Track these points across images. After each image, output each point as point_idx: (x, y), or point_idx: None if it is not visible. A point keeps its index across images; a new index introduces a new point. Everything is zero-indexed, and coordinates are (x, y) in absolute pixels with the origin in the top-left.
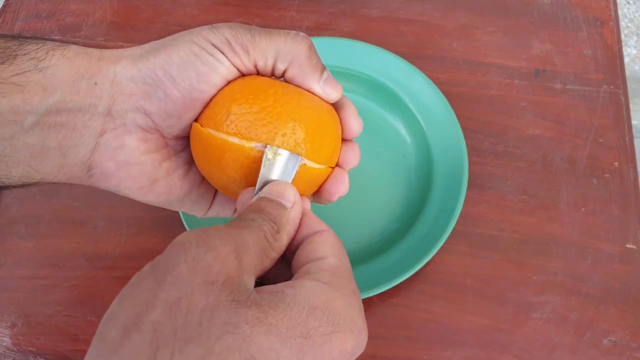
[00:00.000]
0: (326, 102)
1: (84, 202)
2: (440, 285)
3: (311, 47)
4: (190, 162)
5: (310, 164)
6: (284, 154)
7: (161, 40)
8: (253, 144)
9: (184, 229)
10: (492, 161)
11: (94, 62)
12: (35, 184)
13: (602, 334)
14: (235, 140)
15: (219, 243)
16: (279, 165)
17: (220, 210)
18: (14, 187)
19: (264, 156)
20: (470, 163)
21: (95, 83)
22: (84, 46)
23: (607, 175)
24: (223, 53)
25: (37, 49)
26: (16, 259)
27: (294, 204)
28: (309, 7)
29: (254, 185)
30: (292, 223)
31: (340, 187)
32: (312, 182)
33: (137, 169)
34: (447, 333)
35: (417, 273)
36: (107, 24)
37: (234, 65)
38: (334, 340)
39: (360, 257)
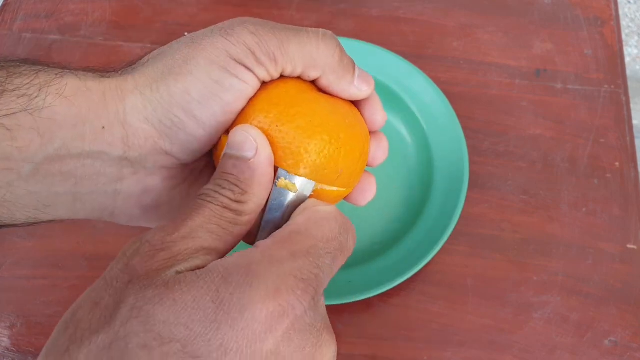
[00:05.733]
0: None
1: None
2: (440, 286)
3: (340, 46)
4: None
5: (335, 188)
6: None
7: (169, 59)
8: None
9: None
10: (493, 161)
11: (97, 101)
12: (48, 222)
13: (603, 334)
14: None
15: (148, 248)
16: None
17: None
18: (20, 226)
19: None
20: (470, 163)
21: (103, 127)
22: (82, 71)
23: (608, 175)
24: (248, 68)
25: (29, 83)
26: (16, 259)
27: (257, 151)
28: (309, 6)
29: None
30: (258, 176)
31: (367, 195)
32: (335, 200)
33: (166, 207)
34: (448, 333)
35: (417, 273)
36: (107, 24)
37: (259, 79)
38: (250, 306)
39: (361, 258)
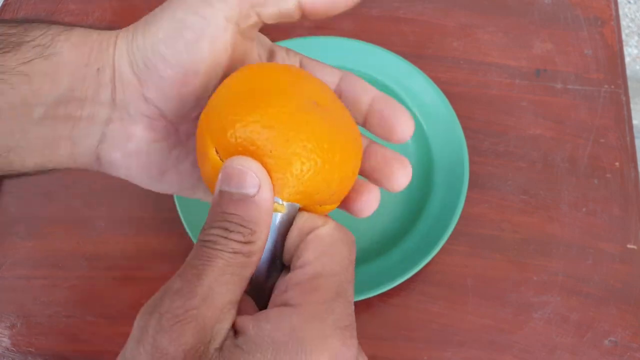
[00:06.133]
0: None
1: (83, 202)
2: (440, 286)
3: None
4: None
5: (327, 206)
6: (292, 207)
7: (155, 10)
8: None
9: (184, 230)
10: (493, 161)
11: (96, 46)
12: (50, 170)
13: (603, 334)
14: None
15: (172, 321)
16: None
17: None
18: (29, 174)
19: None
20: (470, 163)
21: (98, 69)
22: (91, 27)
23: (608, 175)
24: (210, 4)
25: (42, 34)
26: (16, 259)
27: (260, 187)
28: None
29: None
30: (265, 213)
31: (373, 207)
32: (325, 213)
33: (145, 159)
34: (448, 333)
35: (417, 273)
36: (107, 24)
37: (226, 18)
38: None
39: (360, 257)
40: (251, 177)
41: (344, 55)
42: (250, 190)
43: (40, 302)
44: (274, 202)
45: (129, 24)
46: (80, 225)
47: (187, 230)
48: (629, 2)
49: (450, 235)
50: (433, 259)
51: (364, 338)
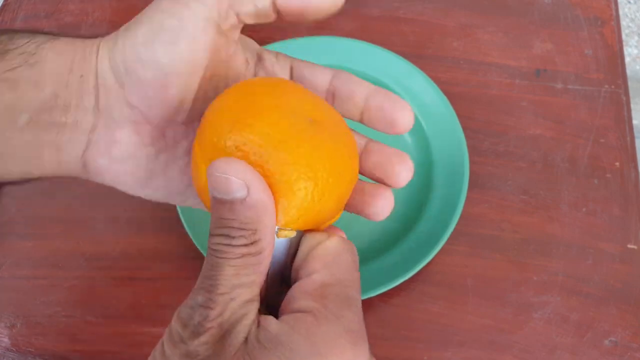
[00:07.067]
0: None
1: (83, 202)
2: (440, 286)
3: None
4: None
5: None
6: (293, 234)
7: (137, 15)
8: None
9: (184, 230)
10: (493, 161)
11: (79, 53)
12: (37, 179)
13: (603, 334)
14: None
15: (200, 329)
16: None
17: None
18: (15, 183)
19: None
20: (470, 163)
21: (81, 76)
22: (78, 37)
23: (608, 175)
24: (187, 6)
25: (28, 42)
26: (15, 259)
27: (250, 189)
28: None
29: None
30: (262, 210)
31: (386, 212)
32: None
33: (131, 164)
34: (448, 333)
35: (417, 273)
36: (107, 24)
37: (204, 19)
38: None
39: (360, 257)
40: (235, 182)
41: (344, 55)
42: (239, 194)
43: (40, 302)
44: (286, 232)
45: None
46: (80, 225)
47: (187, 230)
48: (629, 2)
49: (450, 235)
50: (433, 259)
51: None
